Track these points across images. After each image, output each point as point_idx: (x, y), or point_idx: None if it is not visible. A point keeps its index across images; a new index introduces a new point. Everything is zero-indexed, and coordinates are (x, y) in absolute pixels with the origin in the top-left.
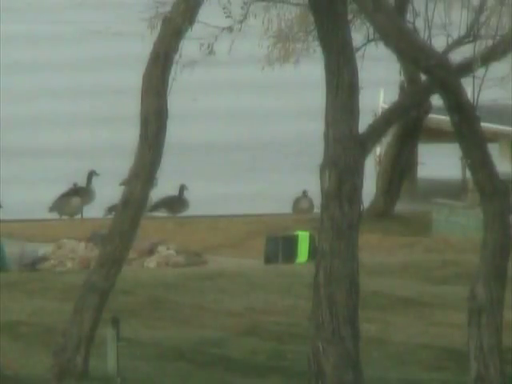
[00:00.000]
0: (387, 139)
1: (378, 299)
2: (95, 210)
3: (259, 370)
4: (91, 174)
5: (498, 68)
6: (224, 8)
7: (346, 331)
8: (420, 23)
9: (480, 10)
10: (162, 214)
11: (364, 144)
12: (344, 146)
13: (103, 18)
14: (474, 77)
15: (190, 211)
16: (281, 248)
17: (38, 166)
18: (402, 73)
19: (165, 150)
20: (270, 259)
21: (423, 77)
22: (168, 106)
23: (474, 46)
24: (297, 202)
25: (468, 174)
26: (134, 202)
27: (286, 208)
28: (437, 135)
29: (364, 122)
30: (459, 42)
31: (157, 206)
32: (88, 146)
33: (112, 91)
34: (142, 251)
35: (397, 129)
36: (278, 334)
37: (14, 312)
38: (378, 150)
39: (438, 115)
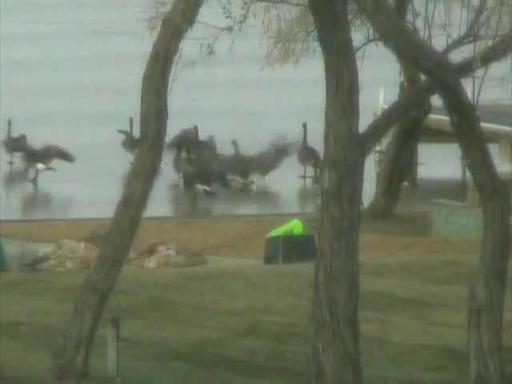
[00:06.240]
0: (387, 139)
1: (378, 299)
2: (95, 210)
3: (259, 370)
4: None
5: (498, 68)
6: (224, 8)
7: (345, 331)
8: (420, 23)
9: (480, 10)
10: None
11: (364, 144)
12: (344, 146)
13: (103, 17)
14: (473, 77)
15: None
16: (280, 248)
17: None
18: (402, 73)
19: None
20: (269, 259)
21: (423, 77)
22: (168, 106)
23: (474, 46)
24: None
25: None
26: (134, 202)
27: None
28: (437, 135)
29: (364, 122)
30: (459, 42)
31: None
32: (88, 146)
33: (112, 91)
34: (142, 251)
35: (396, 129)
36: (277, 334)
37: (14, 312)
38: (378, 149)
39: (438, 115)
